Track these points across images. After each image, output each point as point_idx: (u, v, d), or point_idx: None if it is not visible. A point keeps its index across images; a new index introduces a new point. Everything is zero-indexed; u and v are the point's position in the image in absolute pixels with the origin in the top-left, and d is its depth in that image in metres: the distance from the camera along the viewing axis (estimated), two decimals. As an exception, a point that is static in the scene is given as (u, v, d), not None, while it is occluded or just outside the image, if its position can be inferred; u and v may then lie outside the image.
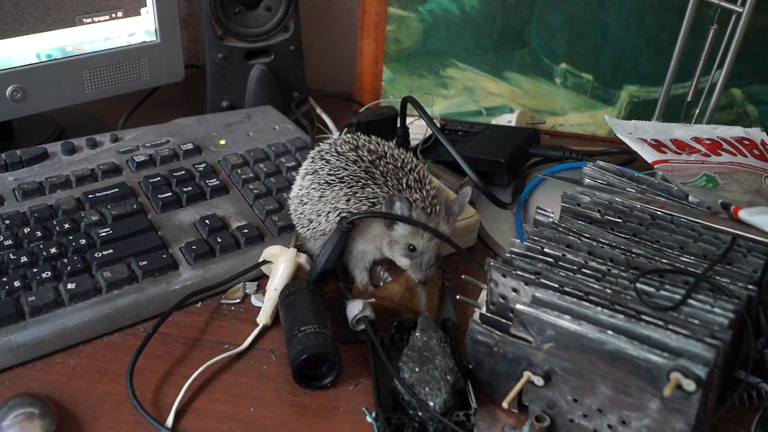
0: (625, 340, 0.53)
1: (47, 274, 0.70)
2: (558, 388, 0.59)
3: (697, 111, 0.91)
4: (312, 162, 0.74)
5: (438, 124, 1.04)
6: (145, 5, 0.92)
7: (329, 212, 0.71)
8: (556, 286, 0.59)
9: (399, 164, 0.71)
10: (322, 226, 0.72)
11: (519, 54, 1.09)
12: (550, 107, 1.11)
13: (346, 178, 0.71)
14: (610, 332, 0.54)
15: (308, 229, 0.74)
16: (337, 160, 0.72)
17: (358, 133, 0.75)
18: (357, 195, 0.70)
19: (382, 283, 0.74)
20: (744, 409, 0.64)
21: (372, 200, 0.70)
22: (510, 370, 0.61)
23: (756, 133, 0.79)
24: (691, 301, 0.57)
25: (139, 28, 0.93)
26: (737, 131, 0.78)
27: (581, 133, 1.12)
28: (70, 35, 0.89)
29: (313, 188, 0.72)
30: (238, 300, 0.75)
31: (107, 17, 0.90)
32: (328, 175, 0.71)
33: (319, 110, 1.08)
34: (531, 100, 1.11)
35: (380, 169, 0.70)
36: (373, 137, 0.74)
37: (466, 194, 0.73)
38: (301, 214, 0.74)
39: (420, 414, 0.60)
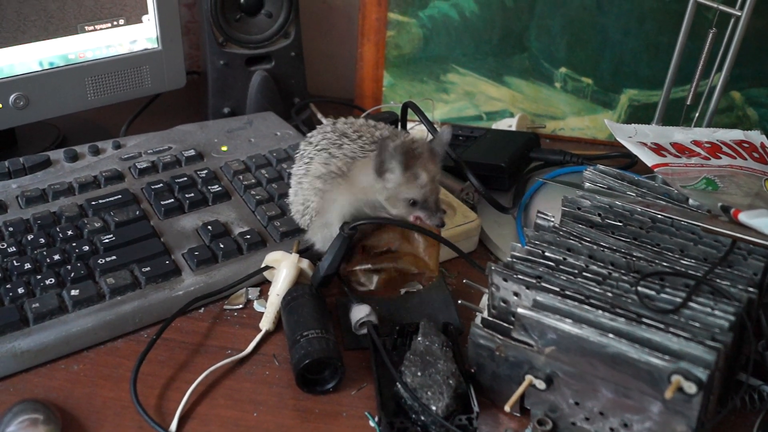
0: (626, 343, 0.54)
1: (51, 280, 0.71)
2: (560, 391, 0.59)
3: (697, 114, 0.91)
4: (298, 153, 0.76)
5: (438, 129, 1.04)
6: (147, 12, 0.92)
7: (312, 182, 0.72)
8: (557, 289, 0.59)
9: (373, 125, 0.73)
10: (314, 204, 0.73)
11: (519, 58, 1.10)
12: (551, 111, 1.12)
13: (323, 144, 0.73)
14: (611, 335, 0.54)
15: (305, 215, 0.74)
16: (318, 139, 0.74)
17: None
18: (333, 154, 0.71)
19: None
20: (746, 412, 0.64)
21: (348, 155, 0.71)
22: (512, 374, 0.61)
23: (756, 136, 0.79)
24: (691, 303, 0.57)
25: (141, 36, 0.93)
26: (737, 134, 0.79)
27: (581, 137, 1.12)
28: (72, 43, 0.89)
29: (299, 169, 0.75)
30: (240, 306, 0.75)
31: (109, 24, 0.91)
32: (311, 153, 0.74)
33: (320, 116, 1.08)
34: (531, 105, 1.12)
35: (353, 129, 0.72)
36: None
37: (446, 132, 0.71)
38: (300, 203, 0.75)
39: (422, 418, 0.61)
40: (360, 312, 0.70)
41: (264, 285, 0.77)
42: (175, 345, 0.70)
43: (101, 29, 0.90)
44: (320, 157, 0.72)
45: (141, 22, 0.93)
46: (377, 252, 0.73)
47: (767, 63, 1.05)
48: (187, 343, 0.71)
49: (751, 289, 0.59)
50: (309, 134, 0.76)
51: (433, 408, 0.60)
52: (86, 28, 0.89)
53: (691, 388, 0.51)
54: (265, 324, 0.71)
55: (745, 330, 0.59)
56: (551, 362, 0.58)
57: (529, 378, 0.59)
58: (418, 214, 0.69)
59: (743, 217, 0.60)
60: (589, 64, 1.08)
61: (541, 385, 0.58)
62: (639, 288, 0.58)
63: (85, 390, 0.65)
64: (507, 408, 0.58)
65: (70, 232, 0.76)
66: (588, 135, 1.12)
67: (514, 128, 1.07)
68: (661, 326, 0.54)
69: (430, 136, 0.72)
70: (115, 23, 0.91)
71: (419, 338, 0.65)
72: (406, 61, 1.12)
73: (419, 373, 0.62)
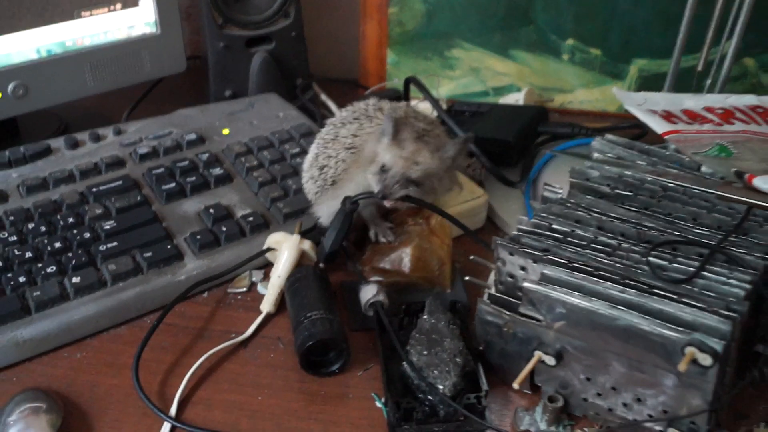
0: (637, 315, 0.52)
1: (52, 268, 0.70)
2: (570, 367, 0.57)
3: (709, 82, 0.89)
4: (330, 119, 0.76)
5: (444, 106, 1.02)
6: (143, -5, 0.91)
7: (338, 151, 0.71)
8: (565, 262, 0.57)
9: (414, 114, 0.71)
10: (332, 170, 0.72)
11: (525, 32, 1.07)
12: (559, 85, 1.09)
13: (360, 116, 0.72)
14: (621, 308, 0.52)
15: (319, 180, 0.73)
16: (358, 107, 0.74)
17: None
18: (363, 126, 0.71)
19: (387, 240, 0.73)
20: (764, 384, 0.62)
21: (372, 130, 0.70)
22: (521, 351, 0.59)
23: (770, 101, 0.77)
24: (705, 273, 0.55)
25: (139, 20, 0.92)
26: (750, 99, 0.76)
27: (591, 109, 1.10)
28: (70, 29, 0.88)
29: (327, 133, 0.74)
30: (244, 289, 0.74)
31: (106, 9, 0.89)
32: (344, 119, 0.73)
33: (323, 96, 1.07)
34: (539, 79, 1.09)
35: (394, 107, 0.72)
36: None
37: (469, 138, 0.70)
38: (317, 168, 0.73)
39: (430, 397, 0.59)
40: (369, 292, 0.68)
41: (268, 267, 0.76)
42: (178, 330, 0.69)
43: (98, 14, 0.89)
44: (353, 124, 0.72)
45: (137, 5, 0.91)
46: (387, 269, 0.72)
47: (781, 28, 1.02)
48: (191, 327, 0.70)
49: (767, 256, 0.57)
50: (353, 102, 0.76)
51: (440, 387, 0.58)
52: (83, 13, 0.88)
53: (706, 360, 0.49)
54: (266, 306, 0.70)
55: (763, 300, 0.56)
56: (561, 337, 0.56)
57: (538, 354, 0.57)
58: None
59: (758, 182, 0.58)
60: (597, 35, 1.06)
61: (550, 361, 0.57)
62: (650, 258, 0.56)
63: (88, 378, 0.64)
64: (516, 385, 0.56)
65: (71, 220, 0.75)
66: (597, 108, 1.09)
67: (521, 103, 1.04)
68: (674, 297, 0.52)
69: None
70: (112, 8, 0.90)
71: (425, 316, 0.64)
72: (410, 38, 1.10)
73: (425, 352, 0.60)
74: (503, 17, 1.07)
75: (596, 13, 1.04)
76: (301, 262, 0.73)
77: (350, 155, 0.70)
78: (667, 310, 0.51)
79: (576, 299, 0.54)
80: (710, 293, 0.53)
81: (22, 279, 0.69)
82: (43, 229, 0.74)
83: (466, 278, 0.70)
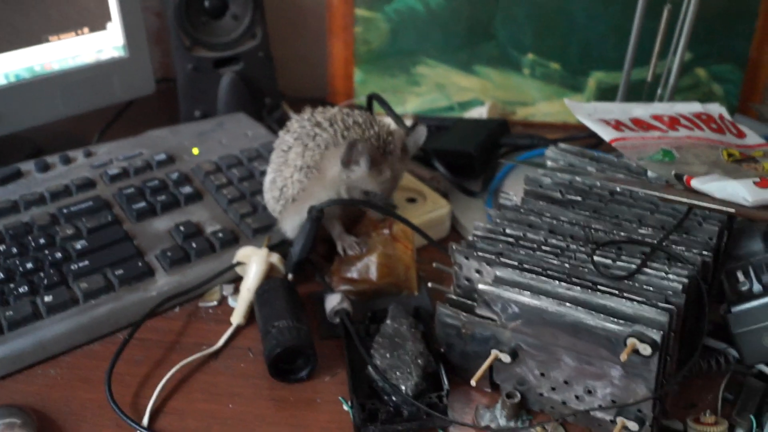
0: (583, 311, 0.55)
1: (24, 288, 0.71)
2: (525, 363, 0.60)
3: (660, 92, 0.92)
4: (277, 141, 0.78)
5: (410, 122, 1.05)
6: (111, 20, 0.93)
7: (292, 173, 0.74)
8: (516, 264, 0.60)
9: (346, 113, 0.75)
10: (291, 190, 0.74)
11: (487, 47, 1.11)
12: (521, 98, 1.13)
13: (300, 136, 0.74)
14: (568, 304, 0.55)
15: (280, 200, 0.76)
16: (295, 127, 0.76)
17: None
18: (308, 146, 0.73)
19: (354, 252, 0.76)
20: (711, 375, 0.65)
21: (322, 147, 0.73)
22: (479, 351, 0.62)
23: (714, 108, 0.80)
24: (646, 269, 0.58)
25: (107, 44, 0.94)
26: (695, 107, 0.80)
27: (553, 122, 1.13)
28: (38, 54, 0.90)
29: (277, 157, 0.77)
30: (215, 302, 0.76)
31: (73, 33, 0.91)
32: (289, 142, 0.75)
33: (292, 114, 1.09)
34: (502, 93, 1.13)
35: (326, 117, 0.74)
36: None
37: (421, 132, 0.74)
38: (277, 189, 0.76)
39: (394, 399, 0.62)
40: (333, 301, 0.71)
41: (238, 281, 0.78)
42: (151, 344, 0.71)
43: (66, 38, 0.91)
44: (297, 147, 0.74)
45: (105, 29, 0.93)
46: (355, 279, 0.75)
47: (731, 39, 1.06)
48: (163, 341, 0.71)
49: (705, 252, 0.60)
50: (288, 123, 0.78)
51: (403, 388, 0.61)
52: (50, 38, 0.90)
53: (646, 349, 0.52)
54: (236, 318, 0.72)
55: (703, 294, 0.59)
56: (515, 336, 0.59)
57: (494, 353, 0.60)
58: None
59: (695, 183, 0.61)
60: (556, 50, 1.09)
61: (506, 358, 0.59)
62: (595, 257, 0.59)
63: (63, 393, 0.66)
64: (473, 382, 0.59)
65: (42, 241, 0.77)
66: (559, 119, 1.13)
67: (485, 116, 1.08)
68: (616, 292, 0.55)
69: (400, 131, 0.75)
70: (79, 32, 0.92)
71: (388, 321, 0.66)
72: (376, 56, 1.13)
73: (388, 355, 0.63)
74: (465, 34, 1.10)
75: (554, 28, 1.08)
76: (270, 274, 0.75)
77: (304, 175, 0.74)
78: (610, 304, 0.54)
79: (526, 298, 0.57)
80: (650, 288, 0.56)
81: (-6, 299, 0.70)
82: (15, 250, 0.75)
83: (430, 284, 0.72)
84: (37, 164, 0.87)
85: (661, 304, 0.53)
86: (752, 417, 0.60)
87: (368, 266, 0.74)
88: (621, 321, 0.53)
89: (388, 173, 0.72)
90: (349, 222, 0.78)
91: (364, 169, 0.71)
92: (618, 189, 0.67)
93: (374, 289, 0.75)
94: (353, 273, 0.75)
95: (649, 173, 0.70)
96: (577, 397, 0.58)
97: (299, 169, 0.73)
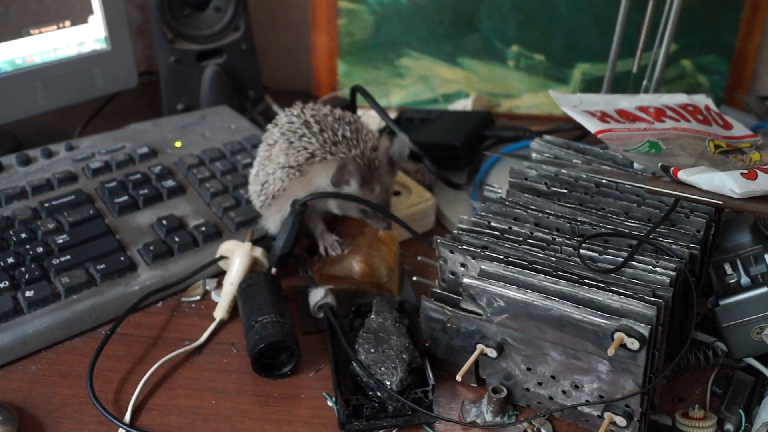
0: (569, 305, 0.54)
1: (5, 283, 0.70)
2: (511, 358, 0.59)
3: (646, 83, 0.92)
4: (265, 134, 0.78)
5: (395, 114, 1.05)
6: (93, 13, 0.92)
7: (275, 169, 0.73)
8: (502, 257, 0.59)
9: (336, 116, 0.74)
10: (272, 187, 0.74)
11: (471, 39, 1.10)
12: (506, 90, 1.12)
13: (286, 132, 0.74)
14: (554, 298, 0.55)
15: (262, 195, 0.75)
16: (284, 121, 0.75)
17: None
18: (293, 145, 0.73)
19: (336, 253, 0.76)
20: (700, 368, 0.65)
21: (308, 149, 0.72)
22: (465, 345, 0.61)
23: (700, 99, 0.80)
24: (633, 263, 0.58)
25: (89, 37, 0.93)
26: (681, 98, 0.79)
27: (538, 113, 1.13)
28: (19, 47, 0.88)
29: (263, 151, 0.76)
30: (198, 297, 0.75)
31: (55, 27, 0.90)
32: (275, 136, 0.75)
33: (275, 107, 1.08)
34: (486, 85, 1.12)
35: (316, 119, 0.73)
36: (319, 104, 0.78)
37: (403, 142, 0.74)
38: (259, 183, 0.76)
39: (379, 394, 0.61)
40: (317, 295, 0.70)
41: (221, 275, 0.77)
42: (133, 339, 0.70)
43: (47, 31, 0.90)
44: (282, 143, 0.74)
45: (87, 22, 0.92)
46: (338, 276, 0.74)
47: (717, 30, 1.06)
48: (146, 336, 0.71)
49: (693, 245, 0.60)
50: (277, 116, 0.77)
51: (388, 383, 0.60)
52: (32, 31, 0.89)
53: (633, 344, 0.52)
54: (219, 313, 0.71)
55: (691, 288, 0.59)
56: (501, 330, 0.59)
57: (480, 347, 0.59)
58: (365, 218, 0.74)
59: (682, 174, 0.61)
60: (540, 41, 1.09)
61: (492, 353, 0.59)
62: (581, 250, 0.59)
63: (44, 389, 0.65)
64: (458, 378, 0.58)
65: (23, 235, 0.76)
66: (544, 111, 1.13)
67: (469, 109, 1.07)
68: (603, 286, 0.55)
69: (385, 143, 0.74)
70: (61, 25, 0.91)
71: (372, 316, 0.66)
72: (360, 49, 1.12)
73: (372, 350, 0.62)
74: (449, 26, 1.09)
75: (538, 20, 1.08)
76: (253, 269, 0.74)
77: (285, 174, 0.73)
78: (597, 298, 0.54)
79: (512, 292, 0.56)
80: (637, 281, 0.56)
81: (-27, 295, 0.69)
82: (-5, 245, 0.75)
83: (414, 278, 0.72)
84: (18, 158, 0.86)
85: (648, 298, 0.53)
86: (741, 411, 0.60)
87: (351, 265, 0.74)
88: (608, 315, 0.53)
89: (377, 189, 0.72)
90: (332, 219, 0.77)
91: (355, 188, 0.71)
92: (604, 181, 0.67)
93: (355, 289, 0.74)
94: (336, 271, 0.74)
95: (636, 165, 0.69)
96: (564, 392, 0.58)
97: (281, 167, 0.73)
